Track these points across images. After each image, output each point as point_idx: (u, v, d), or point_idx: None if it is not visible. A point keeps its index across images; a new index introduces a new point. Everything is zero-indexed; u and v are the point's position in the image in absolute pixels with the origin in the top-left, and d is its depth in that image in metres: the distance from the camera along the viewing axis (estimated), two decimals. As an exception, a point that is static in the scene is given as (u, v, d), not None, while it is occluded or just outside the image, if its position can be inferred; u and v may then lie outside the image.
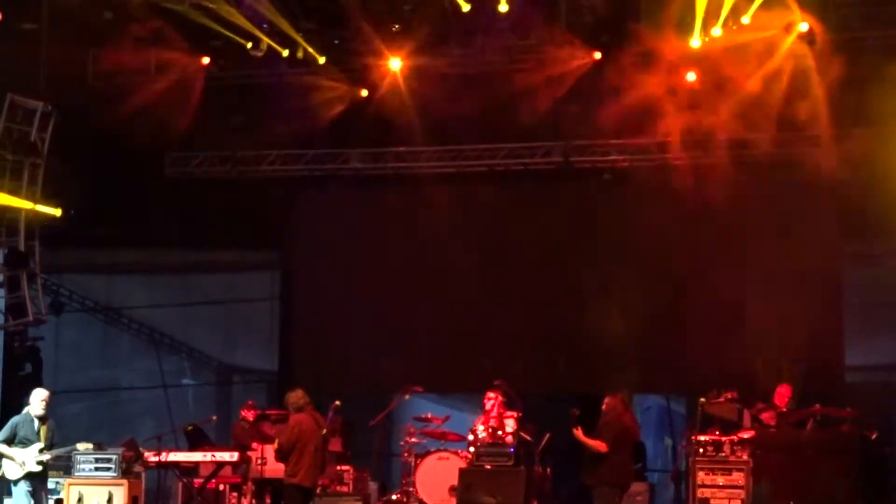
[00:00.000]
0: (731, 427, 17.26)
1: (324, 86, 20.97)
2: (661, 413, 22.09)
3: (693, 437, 16.95)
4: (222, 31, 20.11)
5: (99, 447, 17.00)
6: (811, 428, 17.16)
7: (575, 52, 19.92)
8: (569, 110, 20.41)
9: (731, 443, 16.79)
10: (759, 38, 18.99)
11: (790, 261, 20.03)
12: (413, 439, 18.21)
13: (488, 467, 16.98)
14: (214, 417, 20.81)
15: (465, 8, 19.50)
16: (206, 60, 20.94)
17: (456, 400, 22.00)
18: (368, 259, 21.87)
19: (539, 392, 19.93)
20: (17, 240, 20.59)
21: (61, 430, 16.41)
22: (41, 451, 15.85)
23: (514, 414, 17.75)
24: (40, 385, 18.40)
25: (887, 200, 18.66)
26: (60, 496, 16.80)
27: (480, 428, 17.75)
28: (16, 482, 15.94)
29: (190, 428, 18.99)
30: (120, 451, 16.84)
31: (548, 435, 17.26)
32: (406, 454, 18.23)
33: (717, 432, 17.00)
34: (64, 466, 16.99)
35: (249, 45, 20.30)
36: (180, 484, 17.83)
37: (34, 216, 20.68)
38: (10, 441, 15.94)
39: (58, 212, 20.75)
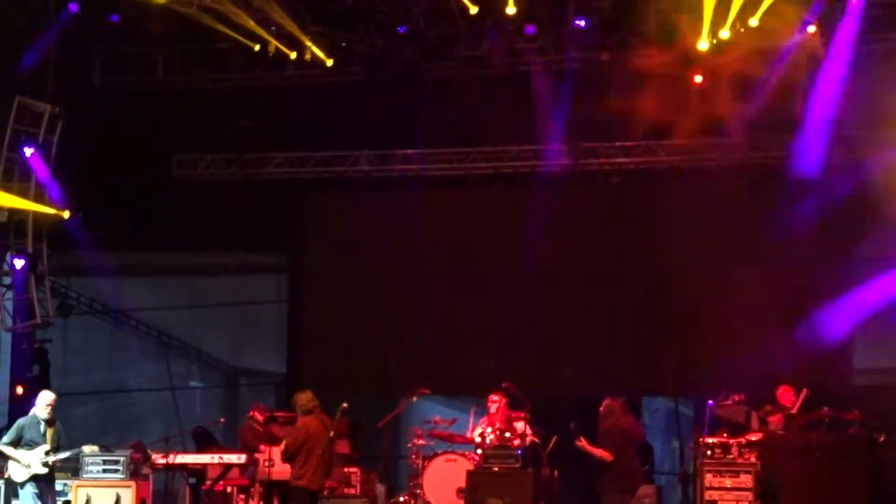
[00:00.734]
0: (738, 429, 17.23)
1: (332, 88, 20.99)
2: (669, 415, 22.06)
3: (701, 440, 16.94)
4: (230, 33, 20.13)
5: (107, 449, 17.04)
6: (820, 431, 17.14)
7: (583, 54, 19.92)
8: (577, 113, 20.39)
9: (739, 445, 16.77)
10: (768, 40, 18.99)
11: (799, 263, 19.99)
12: (421, 441, 18.19)
13: (496, 469, 16.95)
14: (223, 420, 20.82)
15: (473, 10, 19.53)
16: (214, 62, 21.00)
17: (464, 402, 21.97)
18: (376, 261, 21.87)
19: (546, 394, 19.89)
20: (26, 242, 20.62)
21: (69, 433, 16.39)
22: (47, 453, 15.86)
23: (523, 415, 17.73)
24: (48, 387, 18.45)
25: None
26: (68, 498, 16.81)
27: (488, 430, 17.72)
28: (22, 484, 15.95)
29: (198, 430, 18.99)
30: (128, 453, 16.86)
31: (555, 437, 17.23)
32: (413, 456, 18.20)
33: (725, 434, 16.97)
34: (72, 468, 17.00)
35: (257, 47, 20.33)
36: (188, 486, 17.82)
37: (42, 218, 20.72)
38: (15, 443, 15.92)
39: (65, 214, 20.79)
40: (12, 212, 20.40)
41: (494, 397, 17.91)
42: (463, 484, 17.10)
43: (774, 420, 17.56)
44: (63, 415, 16.38)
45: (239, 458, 17.24)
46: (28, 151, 20.36)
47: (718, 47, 19.03)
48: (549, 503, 17.44)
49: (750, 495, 16.47)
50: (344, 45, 20.60)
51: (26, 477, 15.84)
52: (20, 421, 16.22)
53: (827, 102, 19.28)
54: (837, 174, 19.48)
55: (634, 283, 20.84)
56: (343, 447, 18.03)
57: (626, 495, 15.22)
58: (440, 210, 21.61)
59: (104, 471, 16.70)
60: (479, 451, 17.42)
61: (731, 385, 17.85)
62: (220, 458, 17.31)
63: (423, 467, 17.82)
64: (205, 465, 17.46)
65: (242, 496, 17.85)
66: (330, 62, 20.56)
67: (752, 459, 16.68)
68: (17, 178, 20.53)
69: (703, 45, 19.06)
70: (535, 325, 21.16)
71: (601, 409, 15.43)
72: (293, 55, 20.50)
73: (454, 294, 21.38)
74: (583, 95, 20.01)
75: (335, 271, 22.25)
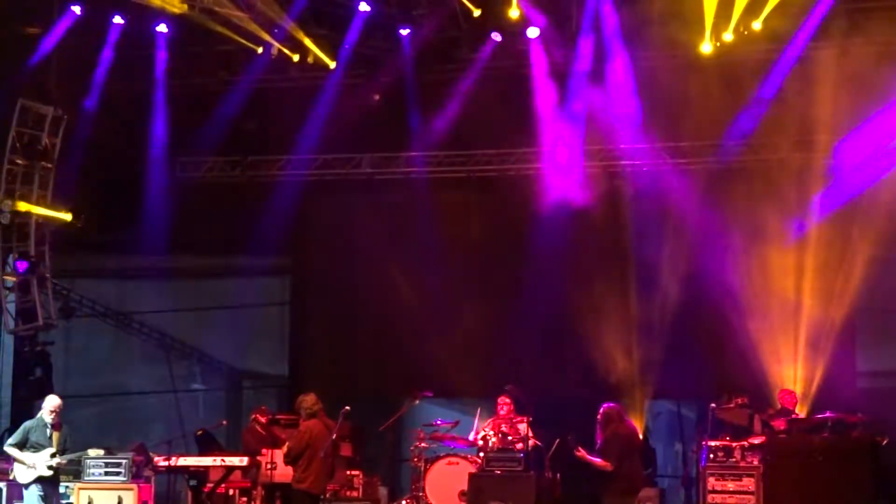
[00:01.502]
0: (741, 432, 17.21)
1: (335, 90, 20.99)
2: (672, 418, 22.01)
3: (703, 443, 16.92)
4: (233, 35, 20.13)
5: (109, 452, 17.04)
6: (824, 434, 17.12)
7: (585, 55, 19.93)
8: (579, 114, 20.39)
9: (742, 448, 16.75)
10: (770, 42, 19.02)
11: (802, 265, 19.96)
12: (423, 444, 18.18)
13: (498, 472, 16.94)
14: (225, 422, 20.79)
15: (476, 13, 19.53)
16: (217, 64, 21.01)
17: (466, 405, 21.94)
18: (379, 264, 21.83)
19: (548, 398, 19.85)
20: (28, 244, 20.61)
21: (71, 435, 16.41)
22: (52, 455, 15.87)
23: (525, 419, 17.72)
24: (50, 389, 18.47)
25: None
26: (70, 501, 16.82)
27: (490, 433, 17.71)
28: (27, 486, 15.98)
29: (200, 433, 18.99)
30: (130, 455, 16.88)
31: (557, 440, 17.21)
32: (416, 459, 18.19)
33: (728, 438, 16.96)
34: (74, 471, 17.01)
35: (260, 49, 20.33)
36: (190, 489, 17.81)
37: (45, 221, 20.72)
38: (21, 445, 15.98)
39: (68, 216, 20.80)
40: (15, 214, 20.40)
41: (506, 399, 17.92)
42: (465, 487, 17.10)
43: (777, 423, 17.53)
44: (65, 417, 16.38)
45: (241, 461, 17.24)
46: (31, 154, 20.36)
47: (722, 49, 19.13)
48: (550, 506, 17.44)
49: (752, 499, 16.45)
50: (346, 46, 20.61)
51: (31, 479, 15.88)
52: (27, 423, 16.29)
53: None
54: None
55: (637, 285, 20.79)
56: (345, 450, 18.04)
57: (628, 498, 15.24)
58: (443, 212, 21.58)
59: (106, 473, 16.72)
60: (482, 454, 17.40)
61: (733, 388, 17.84)
62: (223, 460, 17.32)
63: (426, 470, 17.81)
64: (207, 468, 17.48)
65: (244, 499, 17.86)
66: (333, 64, 20.56)
67: (755, 463, 16.66)
68: (20, 181, 20.53)
69: (706, 47, 19.14)
70: (537, 327, 21.10)
71: (599, 416, 15.47)
72: (296, 58, 20.51)
73: (457, 296, 21.34)
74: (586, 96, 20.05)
75: (338, 274, 22.23)
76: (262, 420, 18.62)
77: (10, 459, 16.20)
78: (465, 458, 17.81)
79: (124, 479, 16.67)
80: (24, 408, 20.14)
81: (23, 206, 20.38)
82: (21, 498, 16.28)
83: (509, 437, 17.50)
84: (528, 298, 21.09)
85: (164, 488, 18.37)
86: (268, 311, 23.24)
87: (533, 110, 20.39)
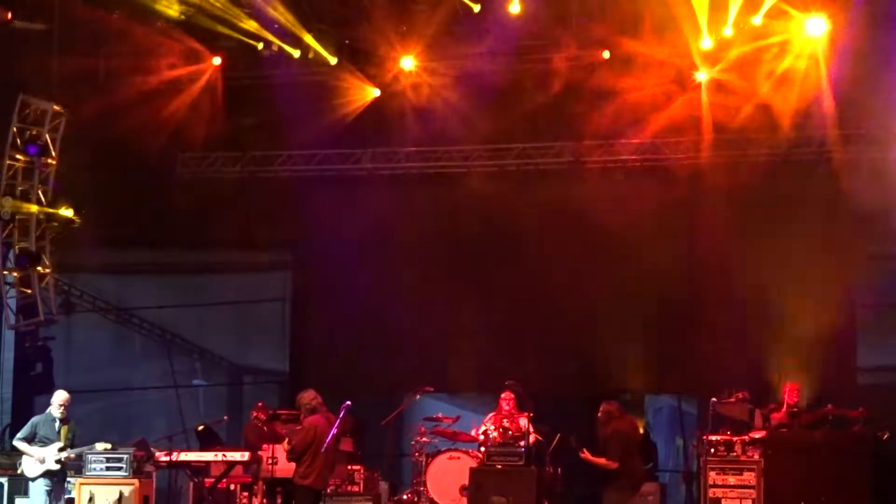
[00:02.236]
0: (742, 427, 17.26)
1: (335, 86, 21.00)
2: (673, 413, 22.02)
3: (704, 438, 16.95)
4: (232, 34, 20.16)
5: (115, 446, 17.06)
6: (824, 429, 17.14)
7: (585, 51, 19.94)
8: (580, 110, 20.39)
9: (743, 443, 16.80)
10: (772, 38, 19.02)
11: (803, 261, 19.97)
12: (424, 439, 18.20)
13: (499, 467, 16.96)
14: (226, 417, 20.81)
15: (476, 9, 19.54)
16: (217, 61, 21.03)
17: (467, 400, 21.97)
18: (380, 259, 21.83)
19: (550, 393, 19.87)
20: (29, 240, 20.62)
21: (79, 429, 16.45)
22: (61, 450, 15.91)
23: (527, 414, 17.74)
24: (51, 385, 18.49)
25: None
26: (72, 495, 16.83)
27: (491, 428, 17.73)
28: (34, 479, 16.02)
29: (201, 428, 18.99)
30: (131, 450, 16.88)
31: (559, 435, 17.23)
32: (417, 454, 18.22)
33: (729, 432, 17.00)
34: (75, 466, 17.00)
35: (261, 45, 20.34)
36: (191, 484, 17.83)
37: (46, 216, 20.72)
38: (29, 439, 16.04)
39: (69, 212, 20.80)
40: (16, 209, 20.40)
41: (510, 395, 17.94)
42: (466, 481, 17.12)
43: (778, 417, 17.56)
44: (67, 412, 16.38)
45: (242, 456, 17.24)
46: (32, 149, 20.36)
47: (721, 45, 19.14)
48: (551, 501, 17.45)
49: (753, 493, 16.48)
50: (347, 42, 20.62)
51: (39, 472, 15.93)
52: (35, 418, 16.37)
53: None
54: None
55: (638, 280, 20.81)
56: (347, 445, 18.04)
57: (629, 493, 15.25)
58: (444, 207, 21.58)
59: (107, 468, 16.71)
60: (483, 448, 17.42)
61: (734, 383, 17.86)
62: (224, 455, 17.32)
63: (427, 465, 17.85)
64: (208, 463, 17.48)
65: (245, 494, 17.88)
66: (334, 60, 20.57)
67: (756, 457, 16.70)
68: (21, 176, 20.54)
69: (706, 43, 19.16)
70: (538, 323, 21.14)
71: (599, 414, 15.47)
72: (296, 53, 20.52)
73: (458, 291, 21.32)
74: (586, 92, 20.05)
75: (338, 269, 22.21)
76: (262, 416, 18.64)
77: (19, 453, 16.24)
78: (466, 452, 17.84)
79: (125, 474, 16.65)
80: (25, 403, 20.17)
81: (23, 203, 20.37)
82: (23, 492, 16.31)
83: (510, 432, 17.52)
84: (530, 294, 21.12)
85: (166, 483, 18.40)
86: (268, 307, 23.22)
87: (532, 105, 20.39)
